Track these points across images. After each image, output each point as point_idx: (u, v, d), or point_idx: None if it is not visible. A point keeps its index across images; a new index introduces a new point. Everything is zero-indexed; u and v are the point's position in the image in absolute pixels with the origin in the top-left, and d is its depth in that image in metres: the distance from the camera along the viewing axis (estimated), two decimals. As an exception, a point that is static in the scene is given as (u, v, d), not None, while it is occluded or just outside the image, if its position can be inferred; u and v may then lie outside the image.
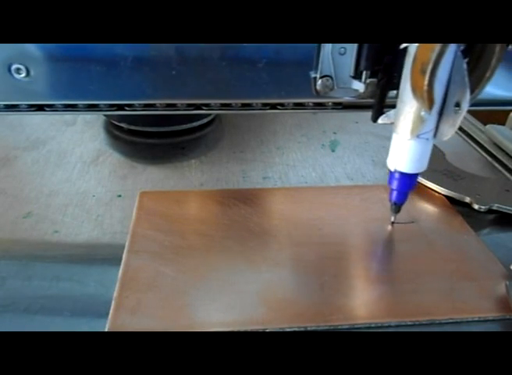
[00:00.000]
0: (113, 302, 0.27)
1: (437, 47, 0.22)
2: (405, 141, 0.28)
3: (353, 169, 0.43)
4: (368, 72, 0.27)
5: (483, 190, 0.38)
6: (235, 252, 0.31)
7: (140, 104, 0.30)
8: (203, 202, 0.37)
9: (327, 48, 0.27)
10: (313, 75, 0.29)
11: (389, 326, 0.26)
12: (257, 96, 0.30)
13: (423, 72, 0.22)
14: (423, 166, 0.29)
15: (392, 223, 0.34)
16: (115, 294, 0.27)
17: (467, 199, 0.37)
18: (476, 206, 0.36)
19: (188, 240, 0.32)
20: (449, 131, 0.26)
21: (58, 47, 0.26)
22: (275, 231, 0.33)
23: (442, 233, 0.34)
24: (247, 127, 0.50)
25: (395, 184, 0.30)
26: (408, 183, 0.30)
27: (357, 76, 0.28)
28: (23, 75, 0.27)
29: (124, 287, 0.28)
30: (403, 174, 0.29)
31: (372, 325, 0.26)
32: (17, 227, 0.33)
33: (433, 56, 0.22)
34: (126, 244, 0.31)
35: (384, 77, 0.27)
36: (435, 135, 0.27)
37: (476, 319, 0.27)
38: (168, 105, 0.30)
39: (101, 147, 0.45)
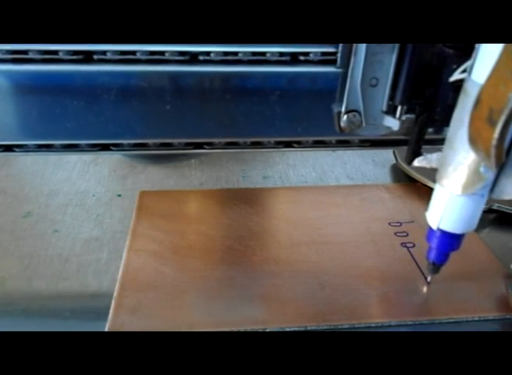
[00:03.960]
0: (113, 302, 0.27)
1: None
2: (453, 196, 0.22)
3: (353, 168, 0.43)
4: (405, 107, 0.24)
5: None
6: (235, 252, 0.31)
7: (129, 143, 0.26)
8: (203, 202, 0.37)
9: (355, 79, 0.23)
10: (337, 109, 0.24)
11: (389, 326, 0.26)
12: (268, 134, 0.26)
13: (491, 121, 0.17)
14: (473, 226, 0.24)
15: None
16: (115, 294, 0.27)
17: (467, 199, 0.37)
18: (476, 206, 0.36)
19: (188, 239, 0.32)
20: None
21: (26, 76, 0.23)
22: (275, 231, 0.33)
23: (442, 232, 0.34)
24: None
25: (435, 243, 0.25)
26: (453, 243, 0.25)
27: (390, 111, 0.24)
28: None
29: (124, 287, 0.28)
30: (447, 233, 0.24)
31: (372, 325, 0.26)
32: (17, 227, 0.33)
33: (510, 103, 0.16)
34: (126, 243, 0.31)
35: (424, 113, 0.23)
36: (491, 190, 0.22)
37: (476, 318, 0.27)
38: (163, 144, 0.26)
39: (101, 146, 0.45)
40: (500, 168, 0.20)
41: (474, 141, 0.19)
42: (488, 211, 0.36)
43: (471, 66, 0.20)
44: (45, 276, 0.29)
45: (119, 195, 0.37)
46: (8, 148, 0.25)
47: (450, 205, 0.23)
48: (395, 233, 0.33)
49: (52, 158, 0.43)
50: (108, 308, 0.26)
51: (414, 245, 0.32)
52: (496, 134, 0.17)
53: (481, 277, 0.30)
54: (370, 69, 0.23)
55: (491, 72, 0.17)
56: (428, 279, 0.29)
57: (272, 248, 0.32)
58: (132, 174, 0.41)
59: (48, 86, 0.23)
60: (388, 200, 0.37)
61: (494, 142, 0.17)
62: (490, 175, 0.21)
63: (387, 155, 0.45)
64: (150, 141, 0.26)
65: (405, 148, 0.26)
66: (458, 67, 0.21)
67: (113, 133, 0.25)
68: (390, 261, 0.31)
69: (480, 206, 0.23)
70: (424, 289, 0.29)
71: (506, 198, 0.21)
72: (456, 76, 0.21)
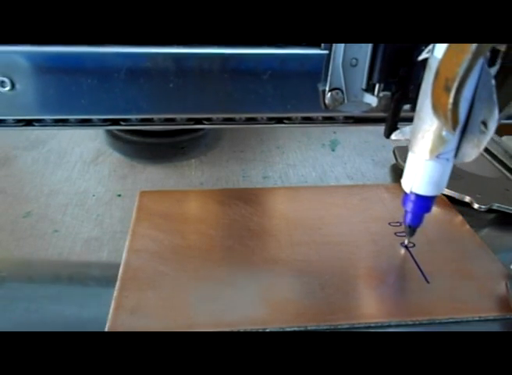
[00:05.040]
0: (113, 302, 0.27)
1: (464, 61, 0.19)
2: (422, 161, 0.25)
3: (353, 168, 0.43)
4: (382, 85, 0.26)
5: (483, 189, 0.38)
6: (235, 252, 0.31)
7: (136, 118, 0.28)
8: (203, 202, 0.37)
9: (337, 59, 0.26)
10: (321, 88, 0.27)
11: (389, 326, 0.26)
12: (260, 110, 0.28)
13: (447, 89, 0.20)
14: (441, 188, 0.26)
15: (406, 246, 0.32)
16: (114, 294, 0.27)
17: (467, 199, 0.37)
18: (476, 206, 0.36)
19: (188, 239, 0.32)
20: (472, 152, 0.23)
21: (45, 57, 0.25)
22: (275, 231, 0.33)
23: (442, 232, 0.34)
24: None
25: (410, 206, 0.28)
26: (425, 205, 0.27)
27: (369, 89, 0.26)
28: (8, 88, 0.25)
29: (124, 287, 0.28)
30: (419, 196, 0.27)
31: (372, 324, 0.26)
32: (17, 227, 0.33)
33: (460, 72, 0.19)
34: (126, 243, 0.31)
35: (399, 90, 0.26)
36: (456, 155, 0.24)
37: (476, 318, 0.27)
38: (167, 120, 0.29)
39: (101, 146, 0.45)
40: (462, 134, 0.24)
41: (435, 108, 0.21)
42: (488, 211, 0.36)
43: (434, 46, 0.23)
44: (45, 276, 0.29)
45: (119, 195, 0.37)
46: (29, 123, 0.28)
47: (421, 170, 0.26)
48: (395, 233, 0.33)
49: (52, 158, 0.43)
50: (108, 308, 0.26)
51: (414, 245, 0.32)
52: (451, 99, 0.20)
53: (481, 277, 0.30)
54: (350, 50, 0.26)
55: (446, 48, 0.20)
56: (406, 242, 0.32)
57: (272, 248, 0.32)
58: (132, 174, 0.41)
59: (64, 65, 0.25)
60: (388, 200, 0.37)
61: (450, 106, 0.20)
62: (452, 138, 0.23)
63: (387, 155, 0.45)
64: (155, 116, 0.28)
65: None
66: (426, 48, 0.23)
67: (122, 109, 0.27)
68: (390, 261, 0.31)
69: (447, 170, 0.25)
70: (424, 289, 0.29)
71: (467, 160, 0.24)
72: (423, 55, 0.23)
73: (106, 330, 0.25)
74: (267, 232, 0.33)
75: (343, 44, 0.25)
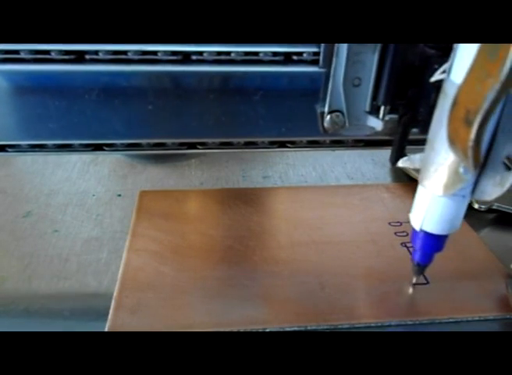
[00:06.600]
0: (113, 302, 0.27)
1: (491, 91, 0.16)
2: (435, 197, 0.22)
3: (353, 168, 0.43)
4: (387, 107, 0.24)
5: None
6: (235, 252, 0.31)
7: (122, 143, 0.26)
8: (203, 202, 0.37)
9: (337, 78, 0.23)
10: (320, 109, 0.24)
11: (389, 326, 0.26)
12: (256, 133, 0.26)
13: (468, 122, 0.17)
14: (456, 226, 0.24)
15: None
16: (115, 294, 0.27)
17: (467, 199, 0.37)
18: (476, 205, 0.36)
19: (188, 239, 0.32)
20: (494, 191, 0.21)
21: (17, 76, 0.23)
22: (275, 231, 0.33)
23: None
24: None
25: (419, 245, 0.25)
26: (436, 244, 0.25)
27: (373, 111, 0.24)
28: None
29: (124, 287, 0.28)
30: (430, 234, 0.24)
31: (372, 324, 0.26)
32: (17, 227, 0.33)
33: (485, 103, 0.16)
34: (126, 243, 0.31)
35: (407, 113, 0.23)
36: (473, 191, 0.21)
37: (476, 318, 0.27)
38: (157, 144, 0.26)
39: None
40: (481, 169, 0.21)
41: (452, 142, 0.18)
42: (488, 211, 0.36)
43: (450, 67, 0.19)
44: (45, 276, 0.29)
45: (119, 195, 0.37)
46: (1, 148, 0.25)
47: (432, 206, 0.23)
48: (395, 233, 0.33)
49: (52, 157, 0.43)
50: (108, 308, 0.26)
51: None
52: (473, 135, 0.17)
53: (481, 277, 0.30)
54: (352, 69, 0.23)
55: (467, 72, 0.17)
56: (414, 280, 0.28)
57: (271, 247, 0.32)
58: (132, 174, 0.41)
59: (40, 86, 0.23)
60: (388, 200, 0.37)
61: (470, 143, 0.17)
62: (470, 176, 0.20)
63: (387, 155, 0.45)
64: (143, 141, 0.26)
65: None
66: (440, 67, 0.21)
67: (106, 134, 0.25)
68: (390, 261, 0.31)
69: (462, 207, 0.23)
70: (424, 289, 0.29)
71: (487, 198, 0.21)
72: (436, 76, 0.21)
73: (106, 330, 0.25)
74: (267, 232, 0.33)
75: (344, 63, 0.23)
